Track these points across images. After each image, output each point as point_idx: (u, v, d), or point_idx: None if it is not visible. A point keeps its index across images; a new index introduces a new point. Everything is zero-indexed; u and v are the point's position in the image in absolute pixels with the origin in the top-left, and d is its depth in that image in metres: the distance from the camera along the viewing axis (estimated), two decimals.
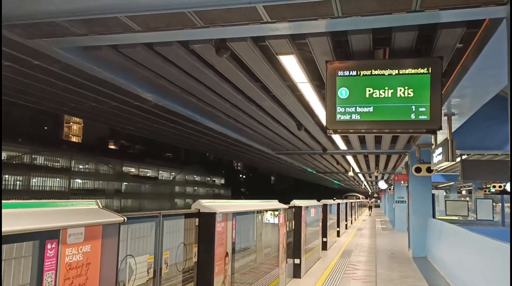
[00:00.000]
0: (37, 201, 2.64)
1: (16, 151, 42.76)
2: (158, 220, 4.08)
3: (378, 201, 79.07)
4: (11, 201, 2.45)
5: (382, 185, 32.93)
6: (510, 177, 9.85)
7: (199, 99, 9.09)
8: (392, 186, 30.16)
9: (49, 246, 2.47)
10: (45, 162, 46.77)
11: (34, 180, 44.41)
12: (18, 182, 42.92)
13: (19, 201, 2.51)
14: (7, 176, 41.84)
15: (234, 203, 6.33)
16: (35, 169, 44.37)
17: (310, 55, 5.99)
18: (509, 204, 17.36)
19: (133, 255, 3.66)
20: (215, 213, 4.84)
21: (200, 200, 5.02)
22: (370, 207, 55.35)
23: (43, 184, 45.69)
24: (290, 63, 6.19)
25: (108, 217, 3.08)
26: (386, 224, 30.12)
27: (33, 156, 44.99)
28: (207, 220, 4.84)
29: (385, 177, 32.62)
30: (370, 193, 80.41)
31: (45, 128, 59.33)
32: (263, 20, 4.59)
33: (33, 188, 43.57)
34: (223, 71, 7.02)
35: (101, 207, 3.26)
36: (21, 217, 2.37)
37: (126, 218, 3.22)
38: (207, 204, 4.96)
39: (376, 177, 31.17)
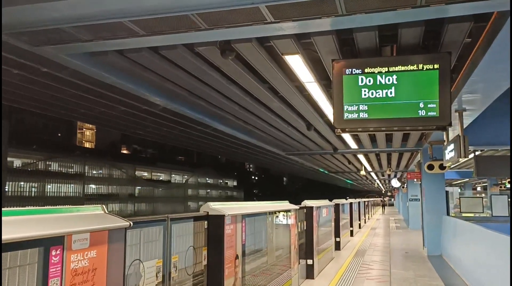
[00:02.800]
0: (42, 207, 2.64)
1: (31, 158, 43.25)
2: (166, 224, 4.07)
3: (392, 199, 78.43)
4: (16, 208, 2.46)
5: (395, 183, 32.65)
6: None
7: (207, 101, 9.09)
8: (405, 184, 29.88)
9: (53, 253, 2.46)
10: (59, 168, 47.31)
11: (49, 186, 44.90)
12: (33, 189, 43.44)
13: (24, 208, 2.51)
14: (22, 183, 42.37)
15: (244, 205, 6.31)
16: (50, 175, 44.85)
17: (316, 54, 5.95)
18: None
19: (142, 260, 3.65)
20: (223, 215, 4.82)
21: (209, 202, 5.00)
22: (383, 206, 54.93)
23: (58, 190, 46.19)
24: (296, 63, 6.15)
25: (114, 222, 3.07)
26: (400, 222, 29.84)
27: (47, 162, 45.49)
28: (216, 223, 4.82)
29: (398, 175, 32.34)
30: (383, 192, 79.85)
31: (59, 134, 59.97)
32: (266, 20, 4.56)
33: (48, 195, 44.05)
34: (229, 73, 7.01)
35: (106, 212, 3.26)
36: (25, 224, 2.37)
37: (132, 223, 3.21)
38: (216, 207, 4.94)
39: (389, 175, 30.90)
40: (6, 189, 37.95)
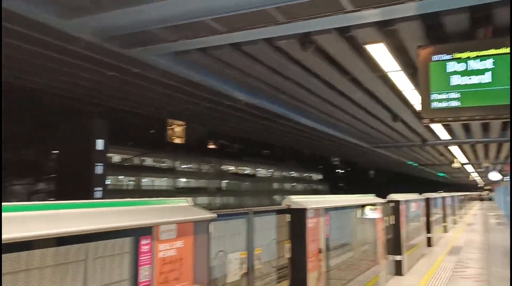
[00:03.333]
0: (132, 199, 2.81)
1: (128, 154, 46.53)
2: (249, 216, 4.14)
3: (491, 193, 72.85)
4: (108, 200, 2.64)
5: (494, 176, 30.19)
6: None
7: (289, 95, 9.10)
8: (506, 177, 27.54)
9: (143, 242, 2.62)
10: (153, 163, 50.46)
11: (144, 180, 48.03)
12: (130, 182, 46.77)
13: (116, 200, 2.69)
14: (122, 177, 45.79)
15: (327, 198, 6.23)
16: (145, 170, 47.99)
17: (401, 41, 5.68)
18: None
19: (226, 251, 3.75)
20: (305, 209, 4.80)
21: (290, 196, 5.00)
22: (481, 200, 51.22)
23: (152, 184, 49.27)
24: (380, 52, 5.92)
25: (199, 214, 3.19)
26: (501, 218, 27.61)
27: (142, 158, 48.65)
28: (298, 216, 4.81)
29: (498, 168, 29.87)
30: (481, 185, 74.36)
31: (152, 131, 63.57)
32: (346, 9, 4.44)
33: (143, 188, 47.15)
34: (310, 66, 6.94)
35: (192, 204, 3.39)
36: (118, 215, 2.55)
37: (216, 215, 3.31)
38: (298, 200, 4.93)
39: (487, 167, 28.67)
40: (108, 182, 41.09)
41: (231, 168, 63.96)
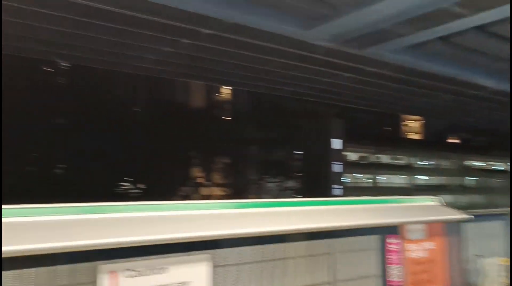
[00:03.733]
0: (375, 197, 2.85)
1: (364, 152, 46.98)
2: (508, 218, 3.69)
3: None
4: (351, 198, 2.74)
5: None
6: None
7: None
8: None
9: (389, 241, 2.62)
10: (388, 160, 49.59)
11: (380, 177, 47.66)
12: (367, 180, 47.11)
13: (359, 198, 2.77)
14: (358, 174, 46.62)
15: None
16: (380, 167, 47.60)
17: None
18: None
19: (483, 256, 3.44)
20: None
21: None
22: None
23: (388, 181, 48.45)
24: None
25: (449, 214, 3.02)
26: None
27: (377, 155, 48.39)
28: None
29: None
30: None
31: (386, 128, 62.71)
32: None
33: (380, 185, 46.78)
34: None
35: (442, 203, 3.22)
36: (361, 212, 2.62)
37: (473, 216, 3.08)
38: None
39: None
40: (346, 180, 42.42)
41: (476, 163, 57.46)
